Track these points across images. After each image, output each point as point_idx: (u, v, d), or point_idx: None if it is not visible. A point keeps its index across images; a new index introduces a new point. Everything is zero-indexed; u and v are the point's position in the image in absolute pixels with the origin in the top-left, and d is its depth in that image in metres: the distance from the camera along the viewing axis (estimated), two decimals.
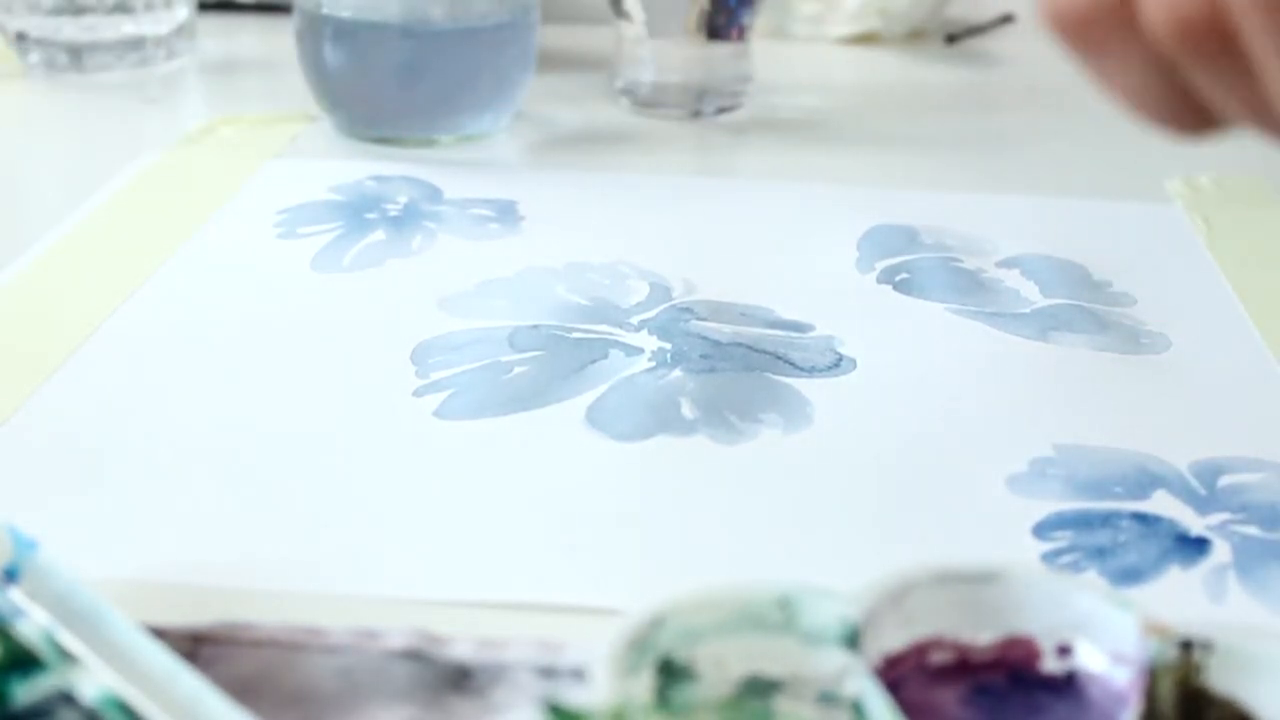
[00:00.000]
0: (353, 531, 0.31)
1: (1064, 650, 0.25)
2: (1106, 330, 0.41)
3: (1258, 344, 0.41)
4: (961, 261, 0.46)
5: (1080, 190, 0.52)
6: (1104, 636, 0.25)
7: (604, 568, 0.31)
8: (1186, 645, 0.24)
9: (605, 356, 0.39)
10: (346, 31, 0.53)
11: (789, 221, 0.49)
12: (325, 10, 0.53)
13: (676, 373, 0.38)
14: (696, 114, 0.59)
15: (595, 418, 0.36)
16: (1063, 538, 0.32)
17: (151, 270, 0.43)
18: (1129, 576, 0.30)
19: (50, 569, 0.26)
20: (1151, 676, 0.24)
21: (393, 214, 0.48)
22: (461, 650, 0.27)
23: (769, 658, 0.24)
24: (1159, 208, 0.50)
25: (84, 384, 0.37)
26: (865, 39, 0.72)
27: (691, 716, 0.23)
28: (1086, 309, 0.43)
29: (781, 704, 0.24)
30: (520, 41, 0.55)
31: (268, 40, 0.68)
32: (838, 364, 0.39)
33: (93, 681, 0.23)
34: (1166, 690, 0.24)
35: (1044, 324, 0.41)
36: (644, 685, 0.23)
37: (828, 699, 0.24)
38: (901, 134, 0.59)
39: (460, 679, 0.27)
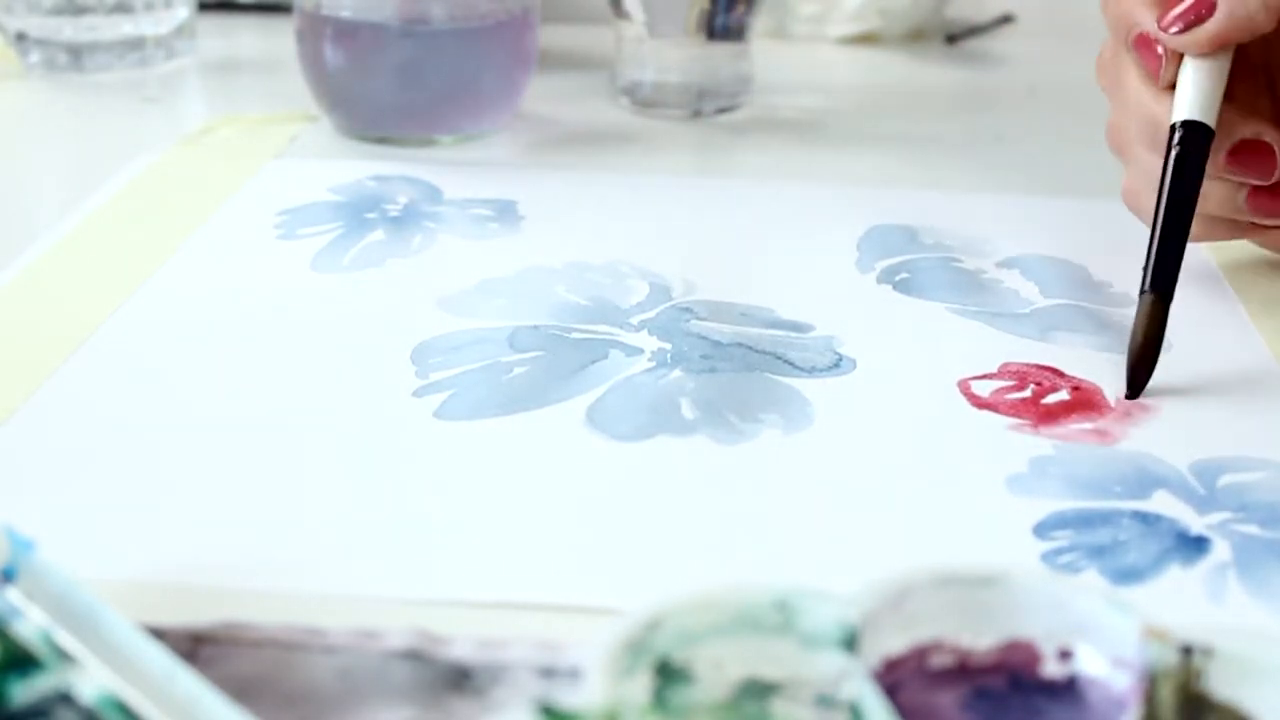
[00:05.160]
0: (353, 531, 0.31)
1: (1065, 654, 0.25)
2: (1106, 330, 0.41)
3: (1258, 344, 0.41)
4: (961, 261, 0.46)
5: (1080, 190, 0.52)
6: (1104, 640, 0.25)
7: (604, 568, 0.31)
8: (1187, 650, 0.24)
9: (605, 357, 0.39)
10: (346, 31, 0.53)
11: (789, 221, 0.49)
12: (325, 10, 0.53)
13: (676, 373, 0.38)
14: (696, 114, 0.59)
15: (595, 418, 0.36)
16: (1063, 537, 0.32)
17: (151, 270, 0.43)
18: (1129, 576, 0.30)
19: (47, 569, 0.26)
20: (1151, 681, 0.24)
21: (393, 214, 0.48)
22: (461, 650, 0.27)
23: (767, 660, 0.24)
24: None
25: (84, 384, 0.37)
26: (865, 39, 0.72)
27: (688, 718, 0.23)
28: (1086, 309, 0.43)
29: (779, 707, 0.24)
30: (520, 41, 0.55)
31: (268, 40, 0.68)
32: (838, 364, 0.39)
33: (91, 681, 0.23)
34: (1166, 695, 0.24)
35: (1044, 324, 0.41)
36: (640, 686, 0.23)
37: (825, 702, 0.24)
38: (901, 134, 0.59)
39: (460, 679, 0.27)
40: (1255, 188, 0.41)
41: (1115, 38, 0.43)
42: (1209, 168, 0.40)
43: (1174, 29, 0.40)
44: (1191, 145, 0.40)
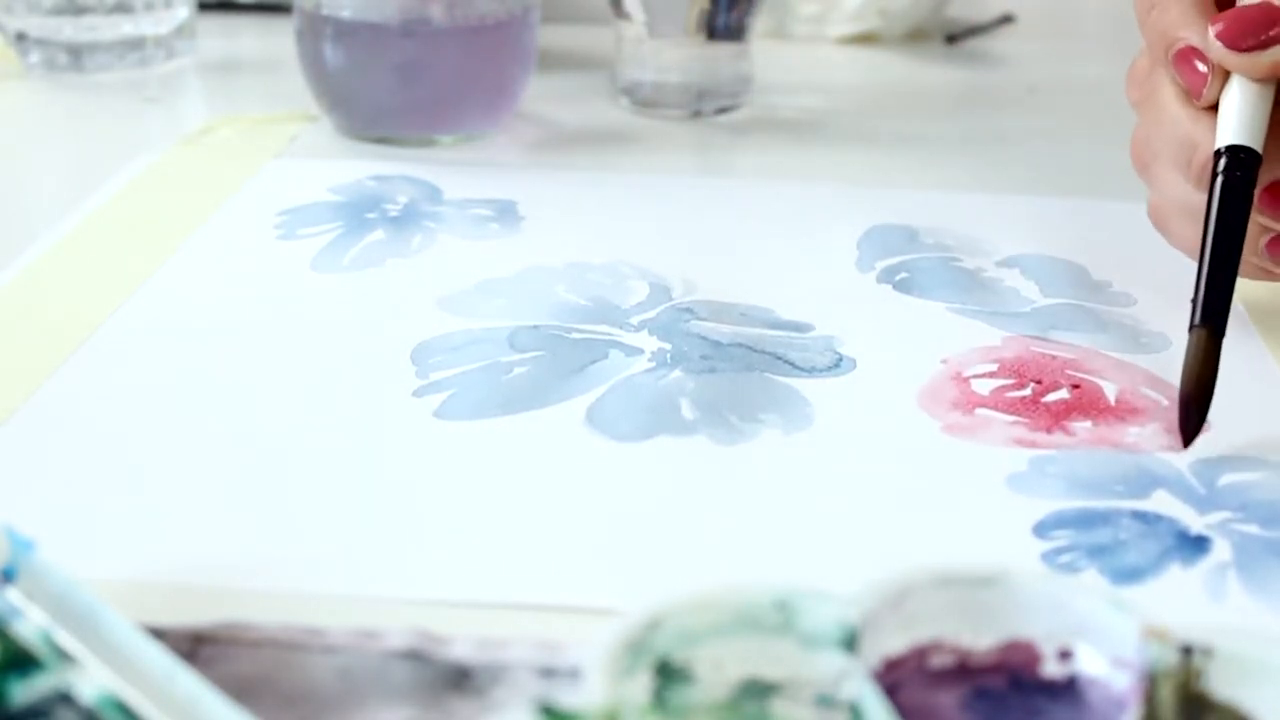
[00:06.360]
0: (353, 531, 0.31)
1: (1064, 654, 0.25)
2: (1106, 330, 0.41)
3: (1258, 344, 0.41)
4: (961, 261, 0.46)
5: (1080, 190, 0.52)
6: (1104, 640, 0.25)
7: (604, 568, 0.31)
8: (1187, 650, 0.24)
9: (605, 357, 0.39)
10: (346, 31, 0.53)
11: (789, 221, 0.49)
12: (325, 10, 0.53)
13: (676, 373, 0.38)
14: (696, 114, 0.59)
15: (595, 418, 0.36)
16: (1063, 537, 0.32)
17: (151, 270, 0.43)
18: (1129, 575, 0.30)
19: (47, 569, 0.26)
20: (1151, 681, 0.24)
21: (392, 214, 0.48)
22: (461, 650, 0.27)
23: (767, 660, 0.24)
24: None
25: (84, 384, 0.37)
26: (865, 39, 0.72)
27: (688, 718, 0.23)
28: (1086, 309, 0.43)
29: (779, 707, 0.24)
30: (520, 41, 0.55)
31: (268, 40, 0.68)
32: (838, 364, 0.39)
33: (91, 681, 0.23)
34: (1166, 695, 0.24)
35: (1044, 323, 0.41)
36: (641, 687, 0.23)
37: (825, 702, 0.24)
38: (901, 134, 0.59)
39: (460, 679, 0.27)
40: (1278, 235, 0.39)
41: (1153, 51, 0.40)
42: None
43: (1237, 45, 0.37)
44: (1239, 171, 0.37)
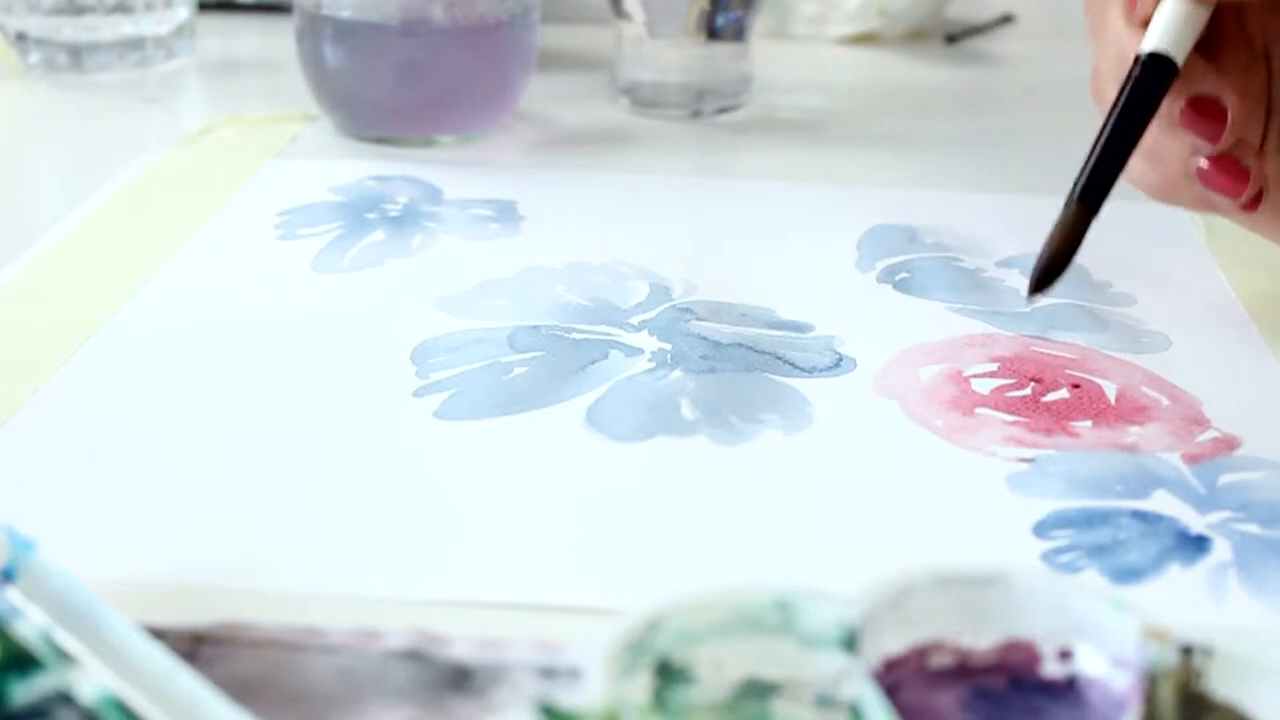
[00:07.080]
0: (353, 531, 0.31)
1: (1065, 654, 0.25)
2: (1106, 330, 0.41)
3: (1258, 344, 0.41)
4: (961, 261, 0.46)
5: None
6: (1104, 640, 0.25)
7: (604, 568, 0.31)
8: (1187, 650, 0.24)
9: (605, 357, 0.39)
10: (346, 31, 0.53)
11: (789, 221, 0.49)
12: (325, 10, 0.53)
13: (676, 373, 0.38)
14: (696, 114, 0.59)
15: (595, 418, 0.36)
16: (1063, 536, 0.32)
17: (151, 270, 0.43)
18: (1129, 575, 0.30)
19: (47, 569, 0.26)
20: (1151, 681, 0.24)
21: (393, 214, 0.48)
22: (461, 650, 0.27)
23: (767, 660, 0.24)
24: (1159, 208, 0.50)
25: (84, 384, 0.37)
26: (865, 39, 0.72)
27: (688, 718, 0.23)
28: (1086, 309, 0.43)
29: (779, 707, 0.24)
30: (520, 41, 0.55)
31: (268, 40, 0.68)
32: (838, 364, 0.39)
33: (91, 682, 0.23)
34: (1166, 695, 0.24)
35: (1044, 324, 0.41)
36: (640, 686, 0.23)
37: (825, 702, 0.24)
38: (901, 134, 0.59)
39: (460, 679, 0.27)
40: (1208, 159, 0.39)
41: None
42: (1167, 118, 0.39)
43: None
44: (1151, 74, 0.37)
